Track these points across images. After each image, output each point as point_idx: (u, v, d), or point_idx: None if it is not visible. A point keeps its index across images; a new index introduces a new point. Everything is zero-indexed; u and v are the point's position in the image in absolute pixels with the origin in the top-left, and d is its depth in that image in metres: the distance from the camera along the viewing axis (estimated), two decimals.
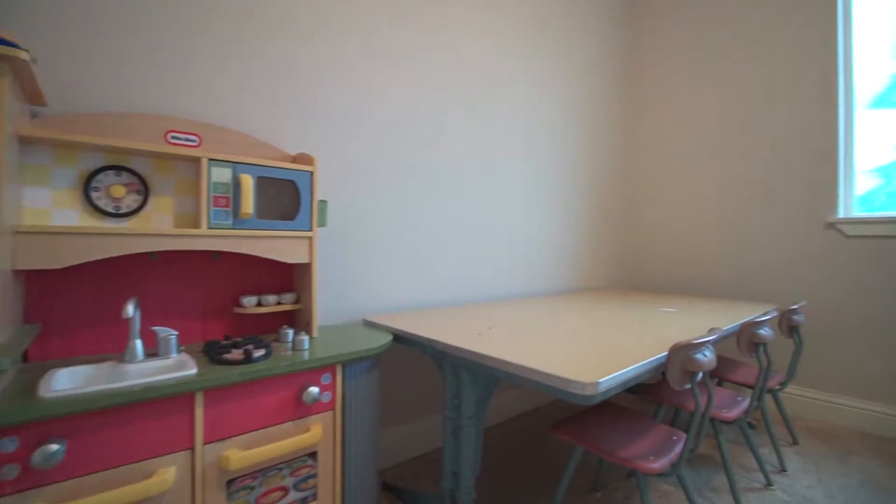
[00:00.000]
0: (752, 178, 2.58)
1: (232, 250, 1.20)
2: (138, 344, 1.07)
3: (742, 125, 2.62)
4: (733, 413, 1.54)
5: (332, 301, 1.67)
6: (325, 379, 1.16)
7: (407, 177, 1.89)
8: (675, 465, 1.19)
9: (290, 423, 1.10)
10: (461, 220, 2.10)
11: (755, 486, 1.68)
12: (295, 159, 1.44)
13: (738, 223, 2.63)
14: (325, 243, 1.65)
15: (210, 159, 1.18)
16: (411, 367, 1.90)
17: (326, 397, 1.16)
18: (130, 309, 1.01)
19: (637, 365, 1.01)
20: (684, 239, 2.89)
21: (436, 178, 2.00)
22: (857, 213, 2.28)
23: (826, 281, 2.31)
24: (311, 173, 1.36)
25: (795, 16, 2.41)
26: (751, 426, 2.23)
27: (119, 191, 1.14)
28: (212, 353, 1.09)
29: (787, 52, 2.45)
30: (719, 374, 1.94)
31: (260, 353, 1.09)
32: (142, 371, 1.05)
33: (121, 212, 1.15)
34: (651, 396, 1.66)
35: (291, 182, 1.34)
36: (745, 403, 1.62)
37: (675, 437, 1.30)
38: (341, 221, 1.70)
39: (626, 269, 3.21)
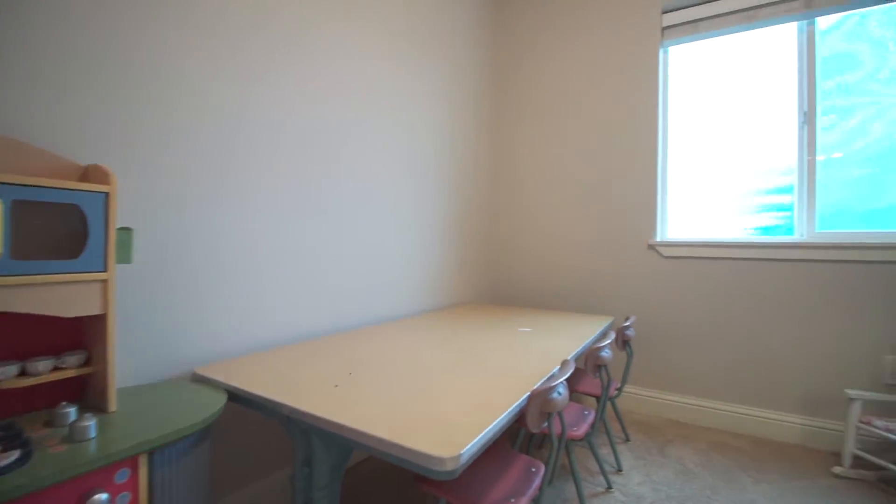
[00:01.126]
0: (590, 204, 2.90)
1: None
2: None
3: (582, 162, 2.95)
4: (582, 430, 1.65)
5: (149, 351, 1.32)
6: (122, 476, 0.88)
7: (249, 193, 1.62)
8: (535, 501, 1.20)
9: None
10: (318, 240, 1.90)
11: (598, 490, 1.84)
12: (86, 173, 1.09)
13: (580, 244, 2.94)
14: (140, 278, 1.30)
15: None
16: (255, 414, 1.64)
17: (124, 500, 0.88)
18: None
19: (497, 420, 0.98)
20: (537, 258, 3.12)
21: (287, 195, 1.76)
22: (670, 237, 2.72)
23: (650, 293, 2.70)
24: (107, 195, 1.04)
25: (625, 66, 2.78)
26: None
27: None
28: None
29: (618, 102, 2.80)
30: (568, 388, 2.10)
31: (10, 457, 0.77)
32: None
33: None
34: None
35: (75, 206, 1.01)
36: (591, 417, 1.77)
37: (533, 469, 1.32)
38: (165, 249, 1.36)
39: (487, 285, 3.34)
